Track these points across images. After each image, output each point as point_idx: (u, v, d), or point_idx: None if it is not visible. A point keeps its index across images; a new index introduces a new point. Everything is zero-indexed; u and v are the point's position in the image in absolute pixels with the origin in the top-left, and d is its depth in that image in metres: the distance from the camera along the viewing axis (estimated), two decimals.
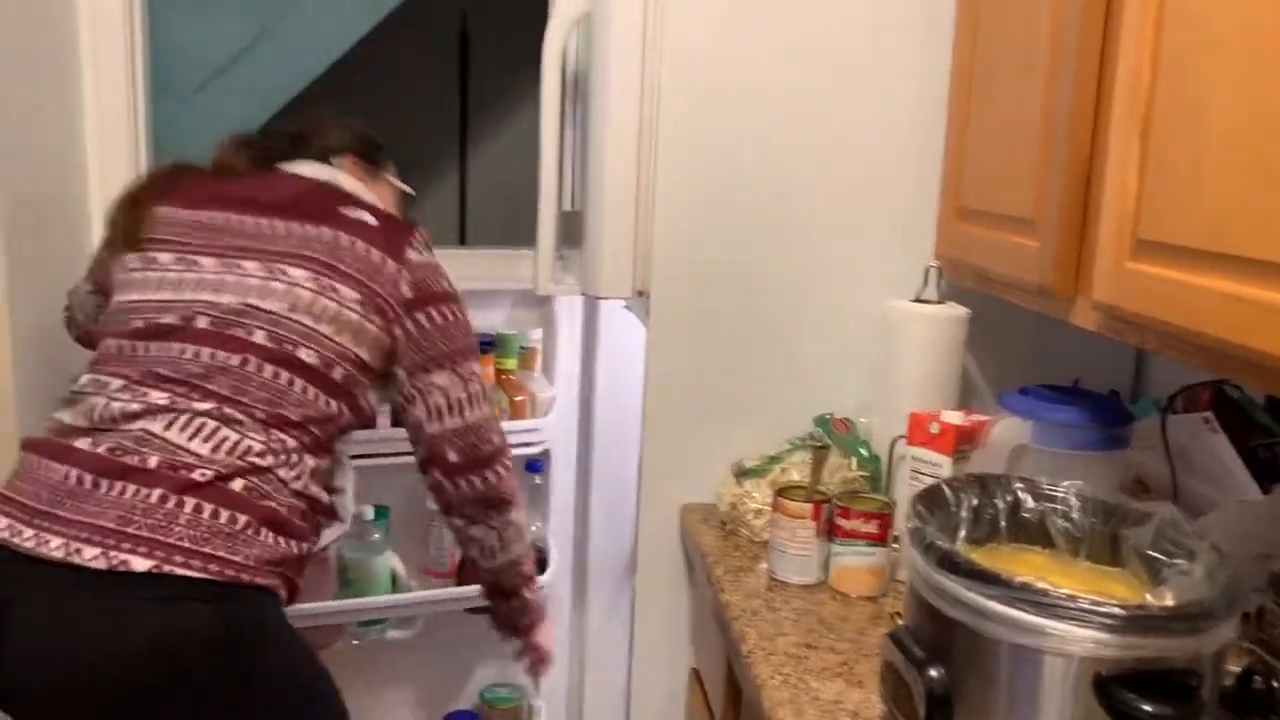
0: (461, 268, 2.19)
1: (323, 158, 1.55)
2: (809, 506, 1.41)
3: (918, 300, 1.55)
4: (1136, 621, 0.86)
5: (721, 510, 1.60)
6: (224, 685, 1.20)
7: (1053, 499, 1.10)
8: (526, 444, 2.05)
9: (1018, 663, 0.90)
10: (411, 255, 1.43)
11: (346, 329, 1.37)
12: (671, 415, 1.65)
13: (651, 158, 1.59)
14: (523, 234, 1.96)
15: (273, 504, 1.27)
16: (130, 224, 1.45)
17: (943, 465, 1.37)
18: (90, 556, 1.17)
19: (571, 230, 1.82)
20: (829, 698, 1.13)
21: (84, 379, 1.36)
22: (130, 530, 1.19)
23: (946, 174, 1.52)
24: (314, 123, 1.60)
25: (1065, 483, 1.11)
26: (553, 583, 2.28)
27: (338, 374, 1.36)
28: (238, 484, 1.25)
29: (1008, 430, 1.35)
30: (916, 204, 1.59)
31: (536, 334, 2.16)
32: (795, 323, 1.64)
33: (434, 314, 1.44)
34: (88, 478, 1.24)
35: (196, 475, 1.23)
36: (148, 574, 1.17)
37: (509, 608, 1.66)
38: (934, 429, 1.38)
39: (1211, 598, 0.89)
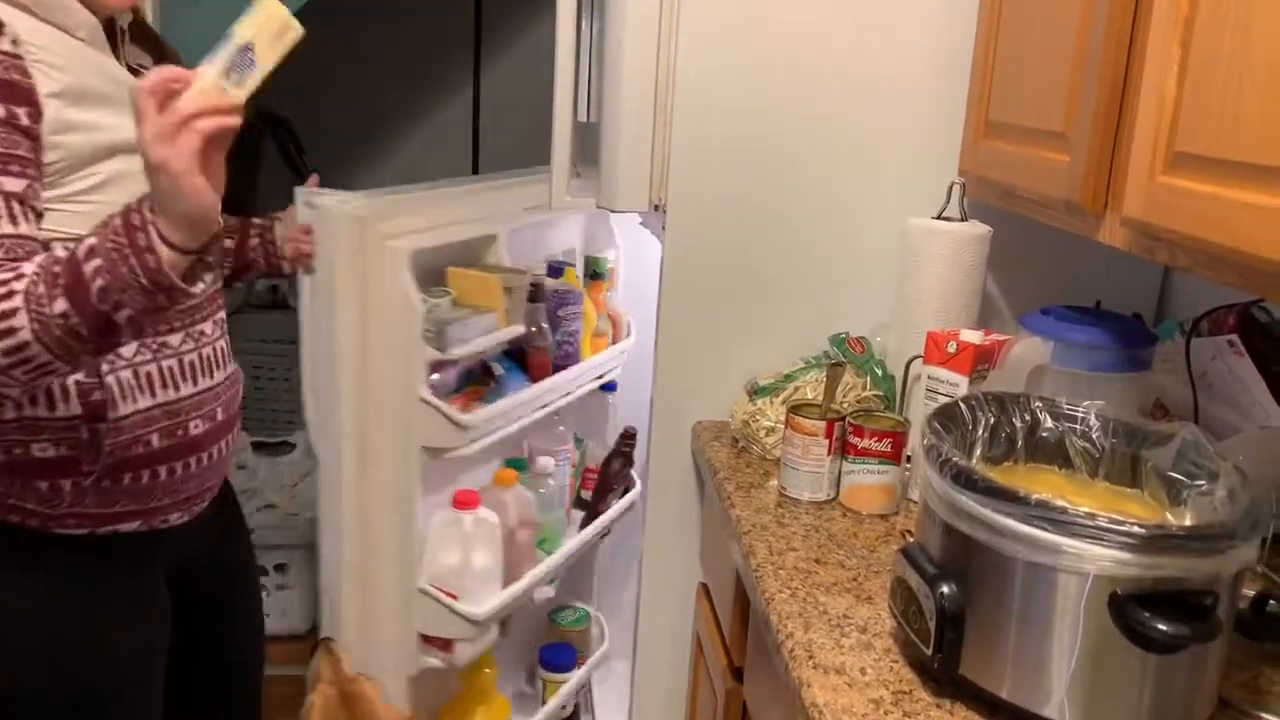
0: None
1: None
2: (822, 424, 1.39)
3: (939, 218, 1.51)
4: (1155, 540, 0.84)
5: (734, 427, 1.59)
6: None
7: (1072, 419, 1.08)
8: (612, 367, 1.97)
9: (1032, 580, 0.89)
10: None
11: None
12: (685, 332, 1.63)
13: (670, 67, 1.54)
14: (538, 153, 1.92)
15: None
16: None
17: (959, 385, 1.35)
18: None
19: (588, 145, 1.78)
20: (838, 612, 1.13)
21: None
22: None
23: (974, 88, 1.48)
24: None
25: (1086, 403, 1.09)
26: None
27: None
28: None
29: (1027, 351, 1.33)
30: (942, 120, 1.55)
31: (612, 253, 2.03)
32: (814, 240, 1.61)
33: None
34: None
35: None
36: None
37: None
38: (951, 348, 1.36)
39: (1233, 518, 0.87)
